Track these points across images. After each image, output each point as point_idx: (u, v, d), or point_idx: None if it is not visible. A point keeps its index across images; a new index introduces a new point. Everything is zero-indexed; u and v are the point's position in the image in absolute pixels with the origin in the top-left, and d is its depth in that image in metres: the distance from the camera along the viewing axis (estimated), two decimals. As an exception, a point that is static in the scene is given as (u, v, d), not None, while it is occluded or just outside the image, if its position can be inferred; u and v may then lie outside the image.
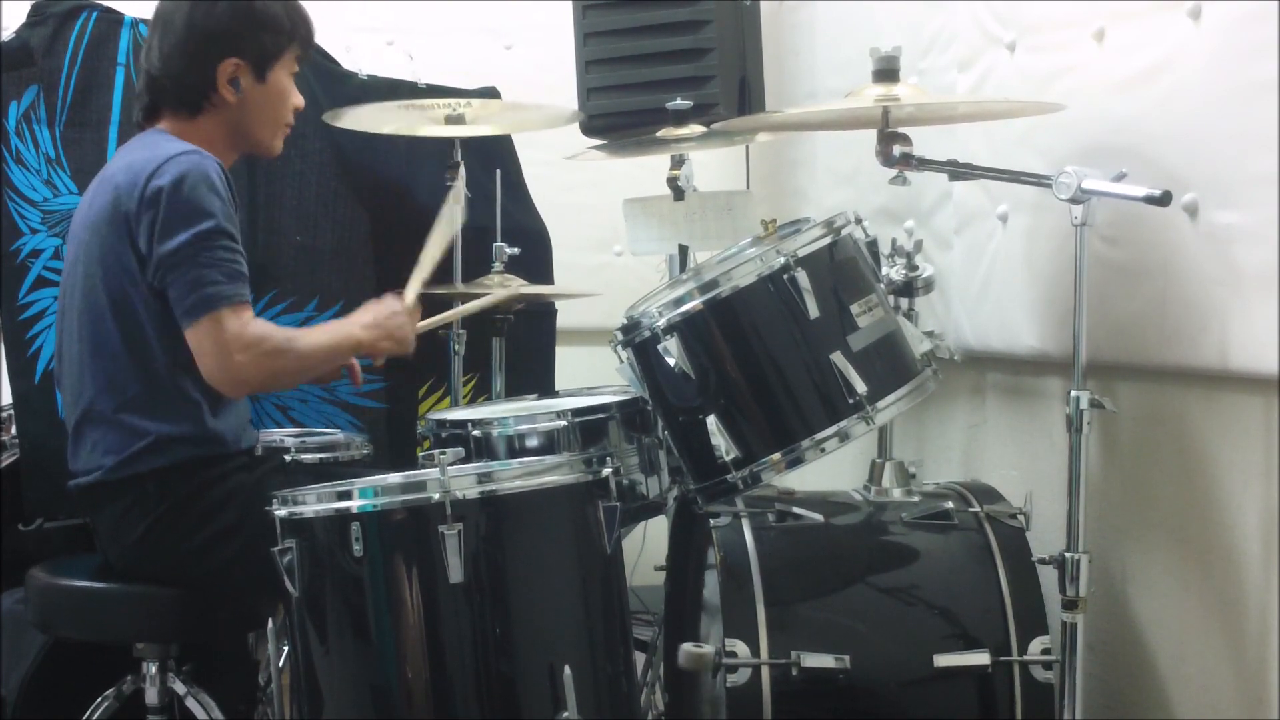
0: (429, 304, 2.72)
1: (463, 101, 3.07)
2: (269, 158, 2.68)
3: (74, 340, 2.43)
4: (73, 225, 2.52)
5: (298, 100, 2.58)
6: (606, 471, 2.18)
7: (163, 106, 2.49)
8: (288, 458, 2.62)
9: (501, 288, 3.02)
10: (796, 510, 2.46)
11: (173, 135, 2.45)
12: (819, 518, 2.46)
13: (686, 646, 2.27)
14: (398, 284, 2.65)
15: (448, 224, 2.81)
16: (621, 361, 2.46)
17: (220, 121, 2.48)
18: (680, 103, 2.85)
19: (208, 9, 2.45)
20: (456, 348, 3.12)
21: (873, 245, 2.49)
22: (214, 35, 2.44)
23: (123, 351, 2.37)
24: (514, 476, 2.12)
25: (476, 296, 3.00)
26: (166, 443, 2.36)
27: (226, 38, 2.44)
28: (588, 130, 3.31)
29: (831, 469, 2.60)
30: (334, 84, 3.27)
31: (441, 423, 2.60)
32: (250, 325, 2.33)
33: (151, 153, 2.38)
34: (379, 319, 2.51)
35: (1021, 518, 2.44)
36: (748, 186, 3.77)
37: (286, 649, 2.32)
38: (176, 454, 2.36)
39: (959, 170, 2.39)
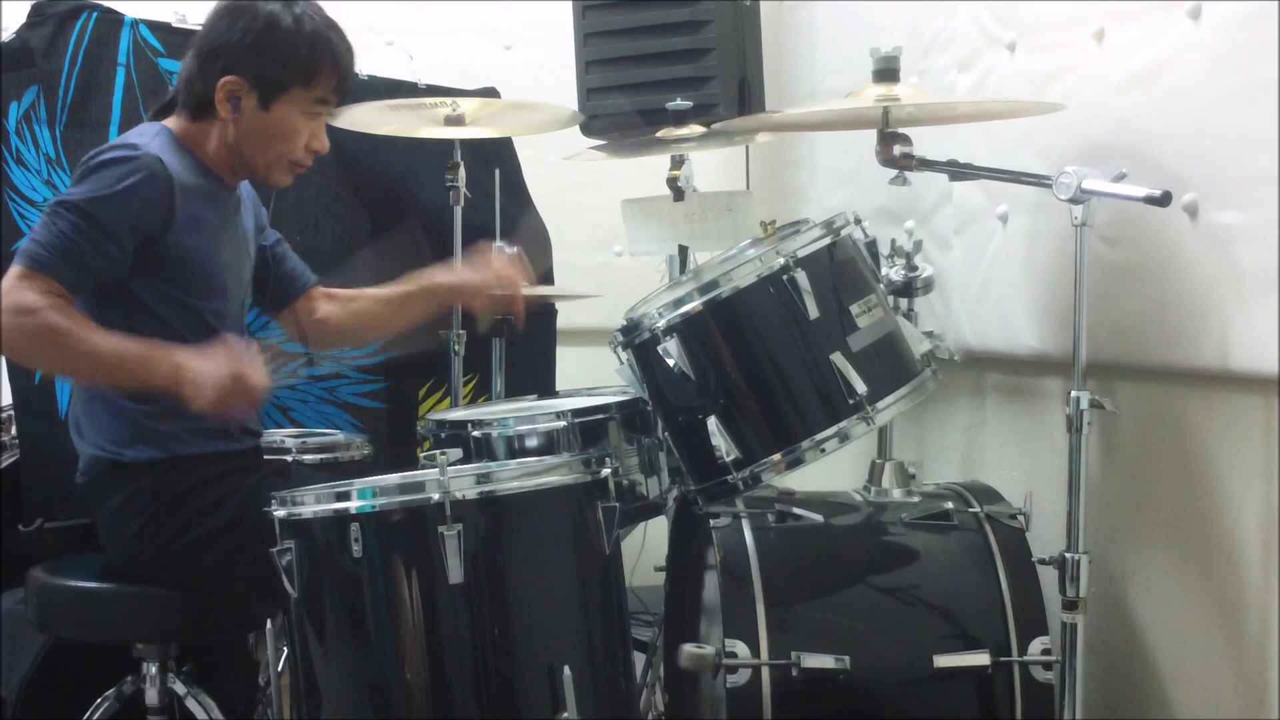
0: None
1: (450, 101, 3.04)
2: (271, 187, 2.56)
3: None
4: None
5: (318, 144, 2.45)
6: (606, 472, 2.18)
7: (177, 102, 2.45)
8: (289, 459, 2.62)
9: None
10: (796, 511, 2.46)
11: (157, 131, 2.41)
12: (819, 518, 2.46)
13: (686, 647, 2.27)
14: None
15: None
16: (621, 362, 2.45)
17: (218, 134, 2.41)
18: (680, 103, 2.85)
19: (229, 22, 2.37)
20: (456, 348, 3.11)
21: (872, 246, 2.48)
22: (219, 47, 2.37)
23: None
24: (513, 477, 2.12)
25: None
26: (153, 421, 2.35)
27: (229, 53, 2.36)
28: (587, 130, 3.31)
29: (831, 469, 2.60)
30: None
31: (441, 423, 2.60)
32: (27, 291, 2.18)
33: (112, 141, 2.37)
34: (219, 369, 2.21)
35: (1021, 518, 2.43)
36: (748, 187, 3.77)
37: (286, 650, 2.32)
38: (171, 446, 2.36)
39: (959, 170, 2.39)
